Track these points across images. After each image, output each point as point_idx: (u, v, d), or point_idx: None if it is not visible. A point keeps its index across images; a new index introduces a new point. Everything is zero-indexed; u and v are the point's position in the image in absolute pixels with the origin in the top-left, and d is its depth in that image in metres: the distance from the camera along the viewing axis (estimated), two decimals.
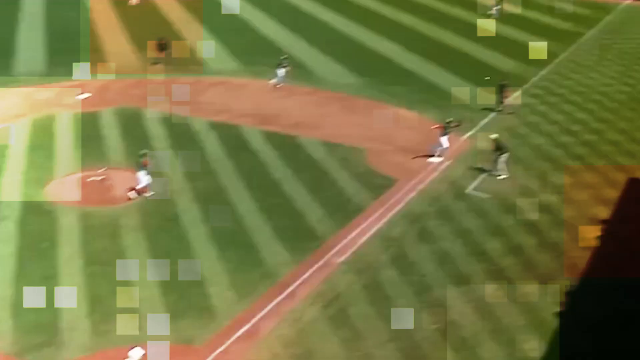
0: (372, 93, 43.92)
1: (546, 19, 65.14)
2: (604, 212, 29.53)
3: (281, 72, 45.04)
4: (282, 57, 46.11)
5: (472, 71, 47.93)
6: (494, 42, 55.90)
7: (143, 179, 30.13)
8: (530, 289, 24.07)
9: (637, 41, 58.00)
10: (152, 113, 39.98)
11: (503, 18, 64.61)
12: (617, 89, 45.59)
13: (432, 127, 35.31)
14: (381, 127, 38.46)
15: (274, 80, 45.00)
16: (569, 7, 69.42)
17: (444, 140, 34.18)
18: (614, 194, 31.21)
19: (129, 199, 29.86)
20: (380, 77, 46.92)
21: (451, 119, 35.59)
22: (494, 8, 66.41)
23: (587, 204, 30.24)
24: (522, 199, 30.60)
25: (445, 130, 34.46)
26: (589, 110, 41.73)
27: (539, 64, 50.12)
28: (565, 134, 38.16)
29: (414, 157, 34.30)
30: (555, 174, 33.19)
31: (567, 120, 40.05)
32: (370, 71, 48.11)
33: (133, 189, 30.17)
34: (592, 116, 40.82)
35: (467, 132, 37.47)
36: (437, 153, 34.27)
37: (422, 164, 33.70)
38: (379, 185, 31.45)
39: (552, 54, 52.84)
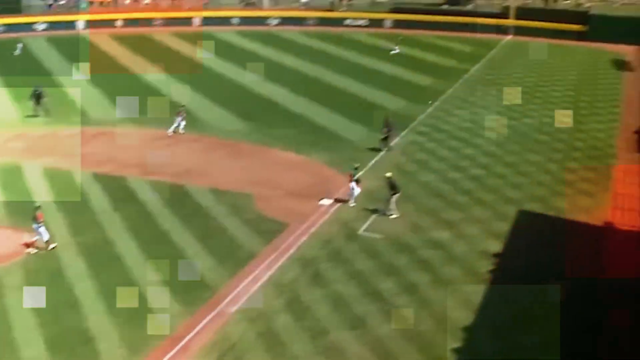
0: (258, 137, 44.31)
1: (431, 57, 67.18)
2: (495, 246, 30.50)
3: (179, 119, 44.93)
4: (180, 106, 45.96)
5: (360, 111, 48.97)
6: (381, 82, 57.31)
7: (40, 232, 29.70)
8: (426, 327, 24.58)
9: (519, 76, 60.40)
10: (33, 166, 39.29)
11: (388, 57, 66.47)
12: (502, 123, 47.23)
13: (350, 178, 35.16)
14: (269, 171, 38.82)
15: (172, 129, 44.78)
16: (452, 45, 71.79)
17: (354, 187, 34.53)
18: (504, 227, 32.26)
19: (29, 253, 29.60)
20: (266, 121, 47.42)
21: (357, 165, 36.24)
22: (396, 47, 68.21)
23: (478, 238, 31.18)
24: (414, 236, 31.29)
25: (353, 176, 34.84)
26: (475, 146, 43.11)
27: (426, 101, 51.60)
28: (453, 169, 39.30)
29: (336, 201, 34.61)
30: (445, 209, 34.12)
31: (454, 156, 41.26)
32: (256, 115, 48.55)
33: (30, 244, 29.84)
34: (479, 151, 42.19)
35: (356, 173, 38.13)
36: (352, 201, 34.50)
37: (313, 207, 34.08)
38: (269, 230, 31.64)
39: (437, 91, 54.54)
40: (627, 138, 44.54)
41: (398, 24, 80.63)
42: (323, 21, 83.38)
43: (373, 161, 39.76)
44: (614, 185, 37.25)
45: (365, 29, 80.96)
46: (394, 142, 42.52)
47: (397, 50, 68.53)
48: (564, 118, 47.62)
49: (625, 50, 69.04)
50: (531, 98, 53.39)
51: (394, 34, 75.12)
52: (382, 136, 41.86)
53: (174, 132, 44.85)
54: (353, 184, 34.46)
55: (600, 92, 55.43)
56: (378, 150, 41.63)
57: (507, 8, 79.59)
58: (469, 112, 49.91)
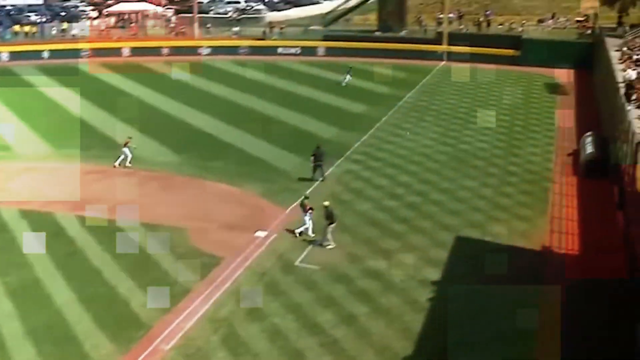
0: (191, 170, 44.28)
1: (364, 84, 68.07)
2: (434, 274, 30.90)
3: (126, 151, 44.77)
4: (127, 137, 45.70)
5: (293, 141, 49.33)
6: (314, 110, 57.82)
7: None
8: (366, 358, 24.78)
9: (453, 101, 61.52)
10: None
11: (321, 85, 67.14)
12: (437, 150, 48.06)
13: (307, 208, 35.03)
14: (203, 204, 38.78)
15: (118, 161, 44.65)
16: (385, 71, 72.80)
17: (307, 218, 34.60)
18: (441, 254, 32.74)
19: None
20: (199, 153, 47.43)
21: (307, 194, 36.39)
22: (347, 76, 69.07)
23: (415, 266, 31.56)
24: (351, 266, 31.55)
25: (304, 207, 34.94)
26: (411, 173, 43.71)
27: (360, 129, 52.17)
28: (389, 198, 39.74)
29: (288, 231, 34.64)
30: (382, 238, 34.48)
31: (390, 184, 41.74)
32: (189, 147, 48.48)
33: None
34: (415, 178, 42.79)
35: (291, 203, 38.42)
36: (311, 233, 34.59)
37: (248, 239, 34.12)
38: (204, 264, 31.54)
39: (372, 119, 55.22)
40: (563, 161, 45.69)
41: (331, 51, 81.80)
42: (255, 50, 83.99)
43: (308, 191, 39.98)
44: (551, 209, 38.11)
45: (298, 57, 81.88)
46: (328, 171, 42.94)
47: (348, 79, 69.04)
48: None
49: (558, 74, 70.91)
50: (465, 123, 54.47)
51: (329, 62, 76.11)
52: (313, 165, 42.16)
53: (120, 164, 44.66)
54: (308, 214, 34.55)
55: (535, 116, 56.83)
56: (313, 180, 41.94)
57: (440, 34, 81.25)
58: (404, 139, 50.65)
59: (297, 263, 31.93)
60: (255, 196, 39.88)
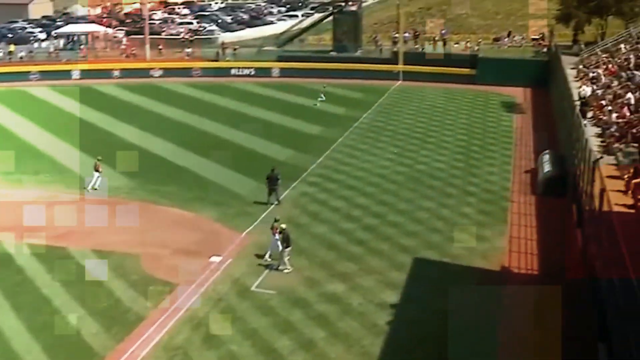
0: (143, 194, 44.10)
1: (320, 105, 68.42)
2: (392, 296, 31.09)
3: (96, 174, 44.88)
4: (97, 159, 45.72)
5: (248, 164, 49.35)
6: (269, 132, 57.93)
7: None
8: None
9: (410, 121, 62.03)
10: None
11: (276, 106, 67.33)
12: (394, 170, 48.42)
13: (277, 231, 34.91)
14: (156, 229, 38.60)
15: (91, 184, 44.62)
16: (341, 92, 73.26)
17: (278, 241, 34.50)
18: (400, 276, 32.92)
19: None
20: (151, 177, 47.24)
21: (278, 217, 36.19)
22: (322, 96, 69.96)
23: (374, 289, 31.72)
24: (308, 291, 31.61)
25: (274, 229, 34.83)
26: (368, 194, 43.95)
27: (316, 151, 52.45)
28: (346, 220, 39.91)
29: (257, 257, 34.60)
30: (340, 261, 34.61)
31: (347, 206, 41.93)
32: (141, 171, 47.98)
33: None
34: (372, 200, 43.03)
35: (246, 227, 38.42)
36: (267, 256, 34.68)
37: (202, 265, 34.00)
38: (157, 291, 31.36)
39: (328, 140, 55.58)
40: (521, 180, 46.26)
41: (286, 72, 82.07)
42: (208, 71, 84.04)
43: (263, 215, 40.05)
44: (510, 229, 38.55)
45: (252, 79, 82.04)
46: (284, 194, 43.03)
47: (323, 99, 69.85)
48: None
49: (514, 93, 71.87)
50: (422, 143, 54.97)
51: (284, 83, 76.51)
52: (268, 188, 42.22)
53: (93, 188, 44.69)
54: (277, 237, 34.46)
55: (492, 135, 57.52)
56: (268, 203, 42.00)
57: (395, 53, 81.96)
58: (360, 160, 50.95)
59: (253, 288, 31.88)
60: (210, 221, 39.82)
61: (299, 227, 38.41)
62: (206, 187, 45.17)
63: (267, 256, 34.57)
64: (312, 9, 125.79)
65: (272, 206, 41.51)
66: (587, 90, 48.78)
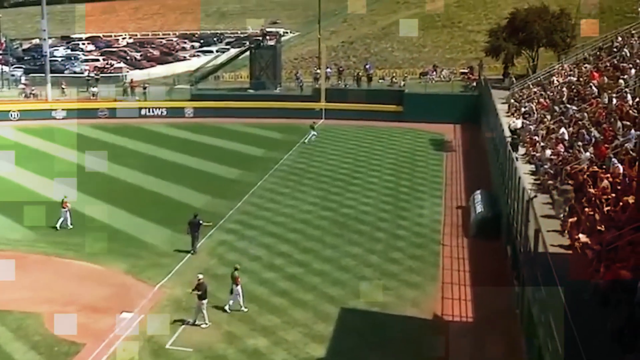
0: (46, 246, 43.40)
1: (238, 146, 68.59)
2: (318, 350, 31.10)
3: (65, 213, 45.64)
4: (64, 196, 46.06)
5: (161, 211, 49.09)
6: (183, 177, 57.66)
7: None
8: None
9: (334, 162, 62.43)
10: None
11: (189, 150, 67.14)
12: (318, 215, 48.66)
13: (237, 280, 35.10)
14: (60, 285, 37.88)
15: (59, 223, 45.30)
16: (260, 132, 73.51)
17: (238, 290, 34.68)
18: (326, 328, 32.99)
19: None
20: (55, 227, 46.47)
21: (237, 266, 36.16)
22: (314, 133, 70.93)
23: (298, 343, 31.69)
24: (228, 347, 31.40)
25: (234, 279, 34.91)
26: (291, 241, 44.08)
27: (234, 196, 52.41)
28: (268, 269, 39.91)
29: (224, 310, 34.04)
30: (261, 314, 34.51)
31: (269, 255, 41.89)
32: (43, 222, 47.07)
33: None
34: (295, 247, 43.13)
35: (160, 279, 38.13)
36: (242, 305, 34.85)
37: (112, 322, 33.41)
38: (62, 353, 30.78)
39: (246, 184, 55.64)
40: (452, 222, 46.88)
41: (200, 112, 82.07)
42: (116, 112, 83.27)
43: (178, 265, 39.77)
44: (442, 274, 38.98)
45: (164, 119, 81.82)
46: (200, 243, 42.84)
47: (313, 136, 70.71)
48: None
49: (444, 130, 73.08)
50: (348, 185, 55.41)
51: (199, 124, 76.55)
52: (190, 234, 42.12)
53: (62, 227, 45.43)
54: (238, 288, 34.52)
55: (421, 175, 58.30)
56: (184, 252, 41.77)
57: (317, 90, 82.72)
58: (282, 205, 51.07)
59: (168, 346, 31.49)
60: (120, 274, 39.33)
61: (217, 278, 38.01)
62: (115, 238, 44.54)
63: (227, 307, 34.60)
64: (227, 44, 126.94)
65: (188, 256, 41.30)
66: (517, 122, 49.93)
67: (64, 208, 46.46)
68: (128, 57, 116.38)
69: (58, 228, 45.88)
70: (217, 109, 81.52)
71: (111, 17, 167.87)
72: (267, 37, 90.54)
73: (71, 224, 46.38)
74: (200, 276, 34.20)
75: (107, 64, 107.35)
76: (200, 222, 42.35)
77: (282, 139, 71.48)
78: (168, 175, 58.26)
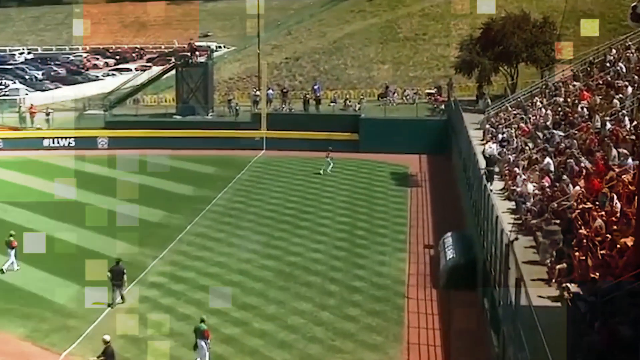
0: None
1: (161, 184, 68.23)
2: None
3: (12, 253, 46.25)
4: (11, 235, 46.84)
5: (69, 263, 48.05)
6: (94, 221, 56.86)
7: None
8: None
9: (277, 201, 62.33)
10: None
11: (102, 188, 66.54)
12: (260, 264, 48.51)
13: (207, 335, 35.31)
14: None
15: (7, 265, 46.05)
16: (189, 166, 73.35)
17: (205, 346, 34.59)
18: None
19: None
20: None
21: (204, 317, 36.13)
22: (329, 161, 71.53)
23: None
24: None
25: (203, 333, 35.01)
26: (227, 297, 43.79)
27: (158, 243, 52.20)
28: None
29: None
30: None
31: (200, 313, 41.27)
32: None
33: None
34: (233, 303, 42.84)
35: (67, 345, 37.74)
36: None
37: None
38: None
39: (173, 229, 55.48)
40: (418, 271, 47.04)
41: (116, 142, 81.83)
42: (12, 143, 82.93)
43: (89, 328, 39.35)
44: (407, 333, 39.04)
45: (72, 151, 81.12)
46: (117, 299, 42.50)
47: (330, 165, 71.26)
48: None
49: (407, 161, 73.49)
50: (294, 229, 55.38)
51: (114, 156, 75.92)
52: (112, 284, 42.05)
53: (9, 268, 46.14)
54: (203, 343, 34.59)
55: (381, 215, 58.50)
56: (98, 311, 41.23)
57: (257, 116, 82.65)
58: (215, 253, 50.91)
59: None
60: (17, 340, 38.82)
61: (137, 342, 37.72)
62: (12, 296, 44.09)
63: None
64: (149, 60, 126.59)
65: (104, 314, 40.84)
66: (492, 147, 50.23)
67: (12, 248, 47.35)
68: (27, 77, 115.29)
69: (4, 270, 47.04)
70: (137, 138, 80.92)
71: (6, 27, 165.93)
72: (197, 53, 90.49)
73: (17, 267, 47.59)
74: (107, 337, 33.86)
75: (0, 84, 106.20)
76: (124, 270, 42.26)
77: (216, 174, 71.33)
78: (77, 219, 57.34)
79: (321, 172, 71.26)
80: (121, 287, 42.21)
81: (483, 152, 49.79)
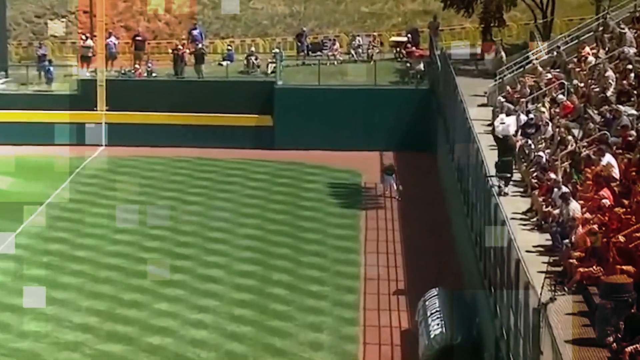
0: None
1: None
2: None
3: None
4: None
5: None
6: None
7: None
8: None
9: (116, 262, 60.14)
10: None
11: None
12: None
13: None
14: None
15: None
16: None
17: None
18: None
19: None
20: None
21: None
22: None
23: None
24: None
25: None
26: None
27: None
28: None
29: None
30: None
31: None
32: None
33: None
34: None
35: None
36: None
37: None
38: None
39: None
40: (381, 354, 46.46)
41: None
42: None
43: None
44: None
45: None
46: None
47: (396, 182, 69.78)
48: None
49: (358, 162, 73.37)
50: (160, 287, 54.29)
51: None
52: None
53: None
54: None
55: (313, 260, 57.78)
56: None
57: (90, 85, 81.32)
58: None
59: None
60: None
61: None
62: None
63: None
64: None
65: None
66: (508, 122, 49.15)
67: None
68: None
69: None
70: None
71: None
72: None
73: None
74: None
75: None
76: None
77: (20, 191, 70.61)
78: None
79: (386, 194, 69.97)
80: None
81: (493, 131, 48.94)
